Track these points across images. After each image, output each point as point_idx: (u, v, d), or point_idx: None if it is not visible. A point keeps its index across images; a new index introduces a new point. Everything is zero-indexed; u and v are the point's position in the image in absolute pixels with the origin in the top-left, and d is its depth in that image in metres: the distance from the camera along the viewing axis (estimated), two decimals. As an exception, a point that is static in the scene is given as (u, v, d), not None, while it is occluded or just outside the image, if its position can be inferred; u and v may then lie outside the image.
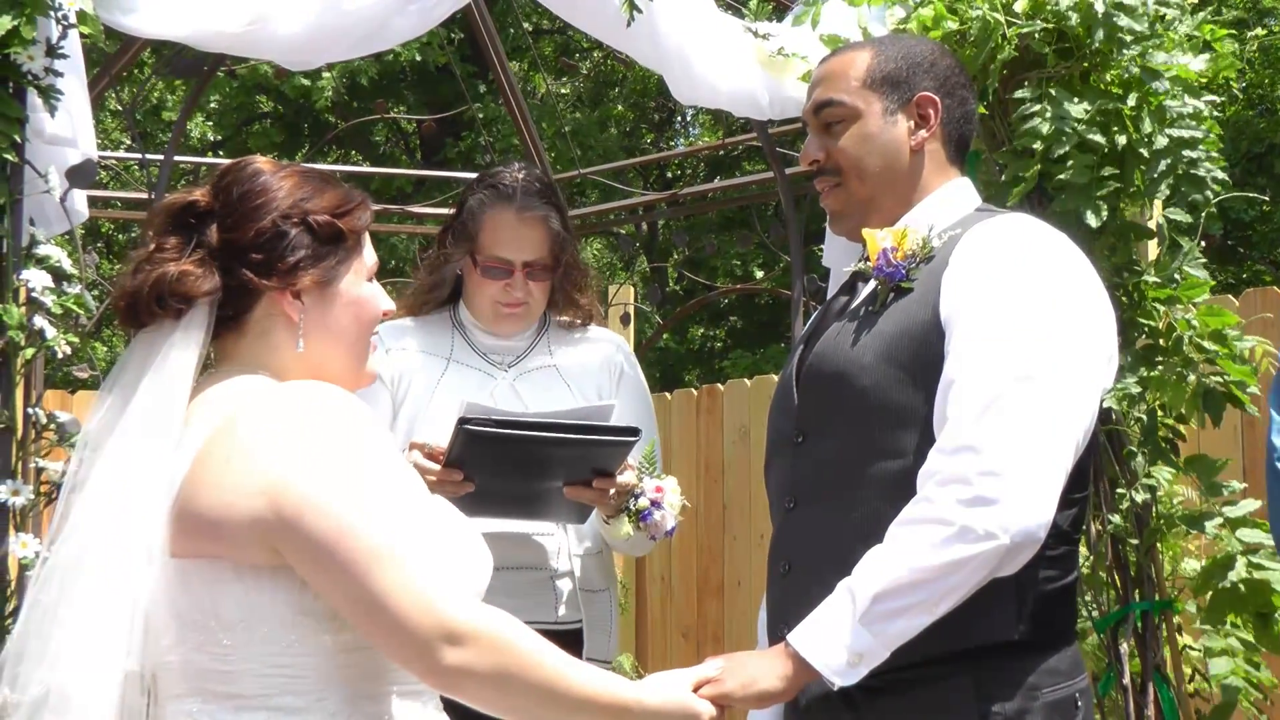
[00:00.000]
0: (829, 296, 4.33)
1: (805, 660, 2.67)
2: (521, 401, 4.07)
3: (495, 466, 3.73)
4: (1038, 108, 3.67)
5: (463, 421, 3.67)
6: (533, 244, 4.14)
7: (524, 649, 2.34)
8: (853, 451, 2.89)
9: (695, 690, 2.61)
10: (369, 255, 2.58)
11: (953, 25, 3.83)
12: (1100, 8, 3.66)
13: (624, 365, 4.33)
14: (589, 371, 4.26)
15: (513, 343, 4.23)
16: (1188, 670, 3.91)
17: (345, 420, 2.36)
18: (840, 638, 2.65)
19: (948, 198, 3.08)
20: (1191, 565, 3.93)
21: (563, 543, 4.08)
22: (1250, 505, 3.73)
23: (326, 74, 15.84)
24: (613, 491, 3.86)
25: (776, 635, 2.89)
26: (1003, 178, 3.78)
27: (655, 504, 3.94)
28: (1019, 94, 3.73)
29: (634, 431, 3.82)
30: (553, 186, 4.36)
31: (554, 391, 4.15)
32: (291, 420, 2.34)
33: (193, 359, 2.41)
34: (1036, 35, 3.73)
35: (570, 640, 3.83)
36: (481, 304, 4.20)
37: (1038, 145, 3.65)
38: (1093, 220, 3.59)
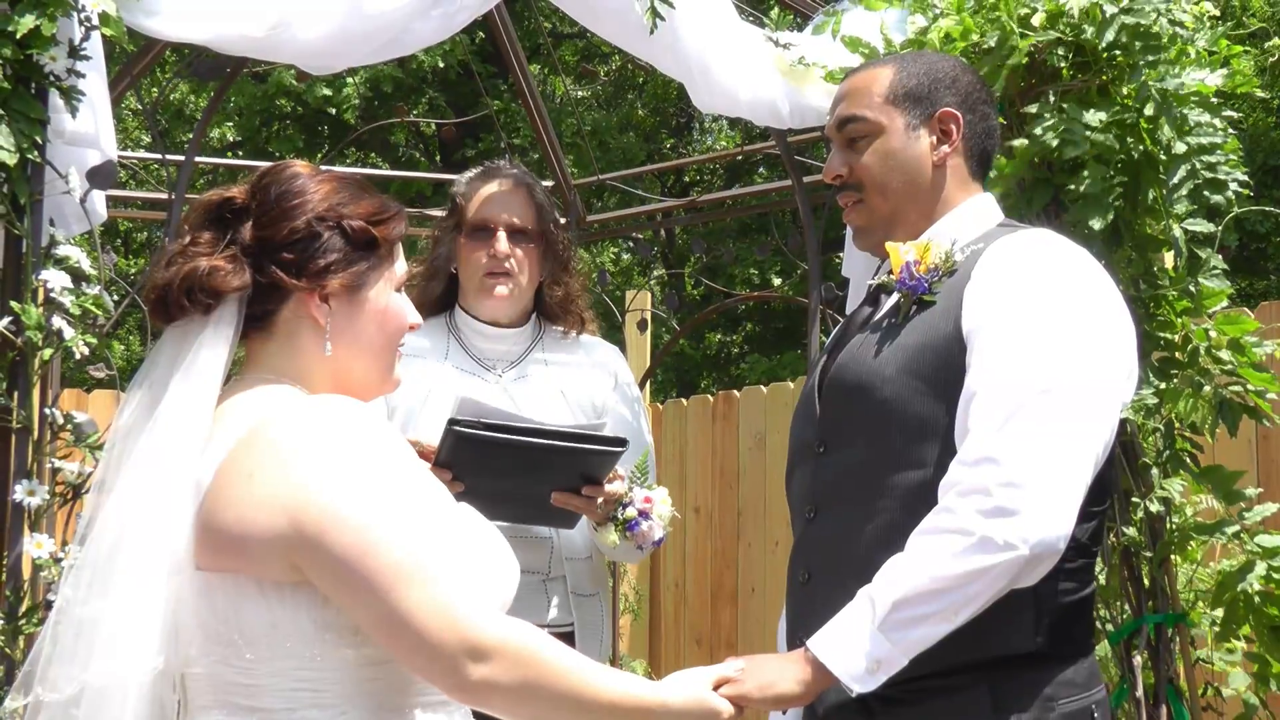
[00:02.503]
0: (850, 307, 4.35)
1: (824, 666, 2.68)
2: (516, 407, 4.08)
3: (484, 469, 3.76)
4: (1050, 120, 3.68)
5: (452, 423, 3.71)
6: (514, 207, 4.26)
7: (548, 659, 2.35)
8: (873, 462, 2.91)
9: (715, 689, 2.61)
10: (400, 266, 2.59)
11: (973, 36, 3.83)
12: (1110, 10, 3.67)
13: (619, 374, 4.37)
14: (584, 378, 4.29)
15: (508, 347, 4.27)
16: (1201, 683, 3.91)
17: (367, 437, 2.36)
18: (859, 644, 2.66)
19: (970, 212, 3.09)
20: (1208, 571, 3.93)
21: (555, 546, 4.10)
22: (1267, 510, 3.73)
23: (350, 80, 15.87)
24: (601, 500, 3.91)
25: (795, 643, 2.90)
26: (1021, 189, 3.79)
27: (643, 514, 3.98)
28: (1032, 108, 3.74)
29: (622, 442, 3.87)
30: (532, 174, 4.47)
31: (548, 397, 4.18)
32: (313, 437, 2.34)
33: (222, 357, 2.42)
34: (1052, 46, 3.73)
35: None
36: (470, 280, 4.26)
37: (1028, 146, 3.68)
38: (1097, 223, 3.60)
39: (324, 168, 2.62)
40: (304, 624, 2.32)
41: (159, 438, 2.37)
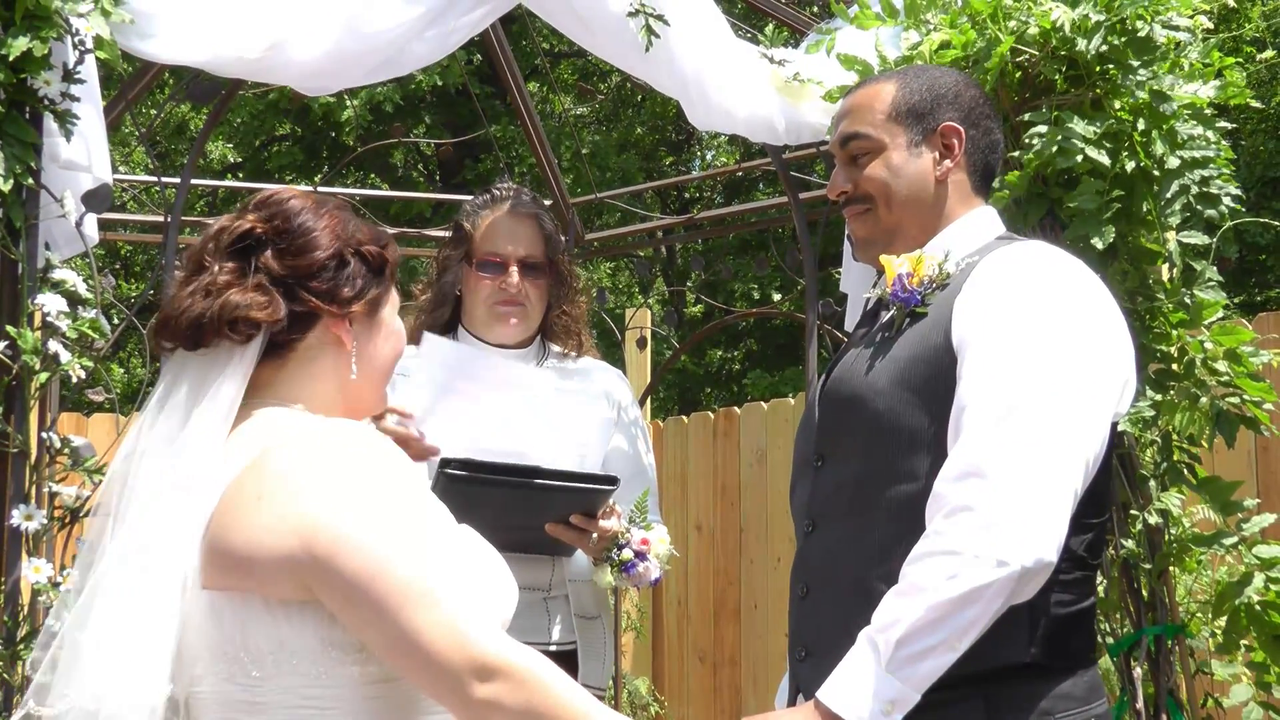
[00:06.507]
0: (849, 323, 4.35)
1: (836, 716, 2.65)
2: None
3: (475, 509, 3.75)
4: (1043, 129, 3.68)
5: (444, 464, 3.73)
6: (526, 239, 4.25)
7: (552, 687, 2.34)
8: (868, 475, 2.90)
9: None
10: (394, 290, 2.65)
11: (970, 48, 3.85)
12: (1096, 18, 3.68)
13: (623, 404, 4.36)
14: (587, 401, 4.27)
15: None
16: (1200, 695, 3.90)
17: (375, 458, 2.38)
18: (868, 688, 2.63)
19: (970, 226, 3.08)
20: (1206, 580, 3.93)
21: (556, 564, 4.10)
22: (1265, 520, 3.73)
23: (352, 101, 15.90)
24: (595, 536, 3.90)
25: (795, 657, 2.93)
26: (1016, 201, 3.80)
27: (640, 555, 3.96)
28: (1027, 117, 3.75)
29: (613, 480, 3.88)
30: (540, 201, 4.47)
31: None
32: (322, 459, 2.36)
33: (241, 387, 2.45)
34: (1046, 59, 3.74)
35: (564, 661, 3.85)
36: (478, 308, 4.26)
37: (1032, 157, 3.68)
38: (1099, 243, 3.60)
39: (323, 188, 2.64)
40: (310, 641, 2.33)
41: (184, 466, 2.39)
